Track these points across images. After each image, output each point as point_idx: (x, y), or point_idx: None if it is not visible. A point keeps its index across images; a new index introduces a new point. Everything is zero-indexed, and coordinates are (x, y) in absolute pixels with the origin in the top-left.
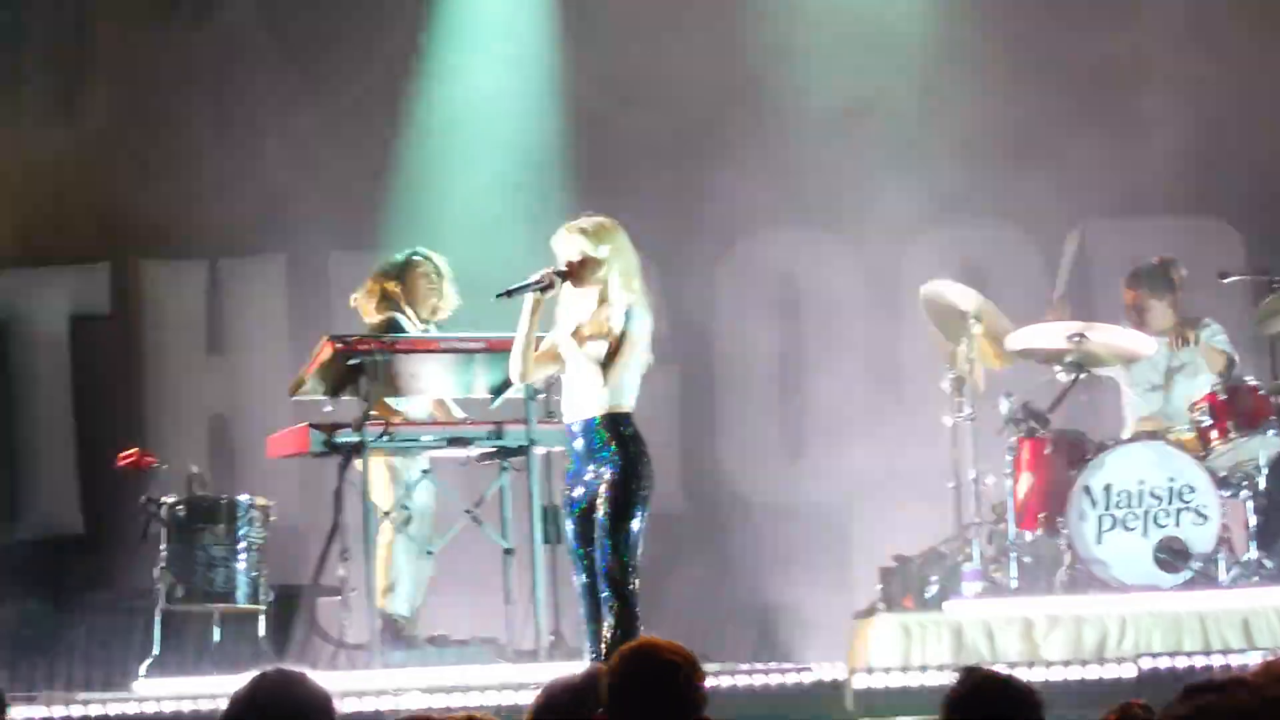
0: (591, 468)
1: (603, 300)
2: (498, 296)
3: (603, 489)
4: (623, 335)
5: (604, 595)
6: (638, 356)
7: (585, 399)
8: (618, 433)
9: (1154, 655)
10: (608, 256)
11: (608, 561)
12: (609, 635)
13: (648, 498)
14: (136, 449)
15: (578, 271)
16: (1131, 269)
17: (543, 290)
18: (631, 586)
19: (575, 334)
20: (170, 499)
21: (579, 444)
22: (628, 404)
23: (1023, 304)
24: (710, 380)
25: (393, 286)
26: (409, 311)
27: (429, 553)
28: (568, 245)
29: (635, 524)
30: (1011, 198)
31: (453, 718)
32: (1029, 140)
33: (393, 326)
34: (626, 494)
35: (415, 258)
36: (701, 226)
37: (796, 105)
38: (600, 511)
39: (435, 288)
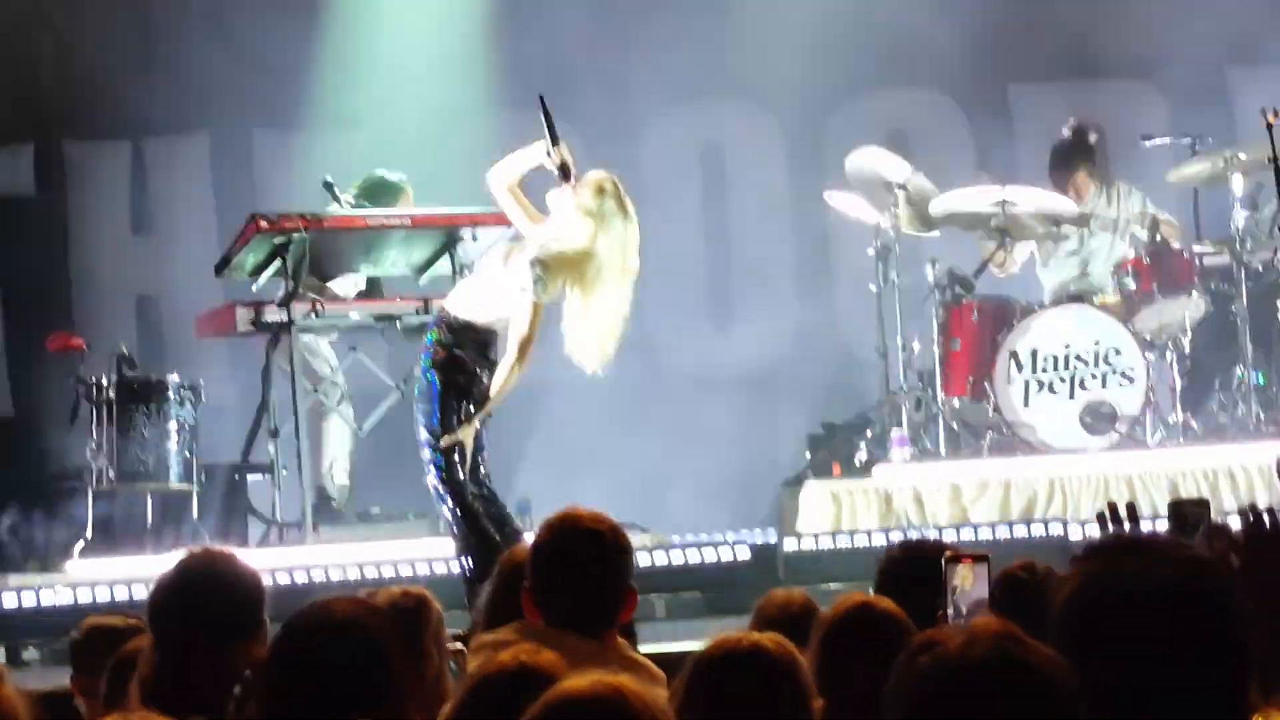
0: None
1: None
2: (540, 98)
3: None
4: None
5: None
6: (520, 319)
7: (464, 295)
8: (448, 341)
9: (1082, 520)
10: (583, 229)
11: None
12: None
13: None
14: (65, 331)
15: (567, 186)
16: (1051, 150)
17: (551, 139)
18: (446, 486)
19: (513, 245)
20: (100, 380)
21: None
22: (480, 322)
23: (947, 170)
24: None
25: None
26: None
27: (358, 430)
28: (585, 189)
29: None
30: (933, 63)
31: (387, 591)
32: (950, 5)
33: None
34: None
35: (405, 184)
36: (625, 99)
37: None
38: None
39: None
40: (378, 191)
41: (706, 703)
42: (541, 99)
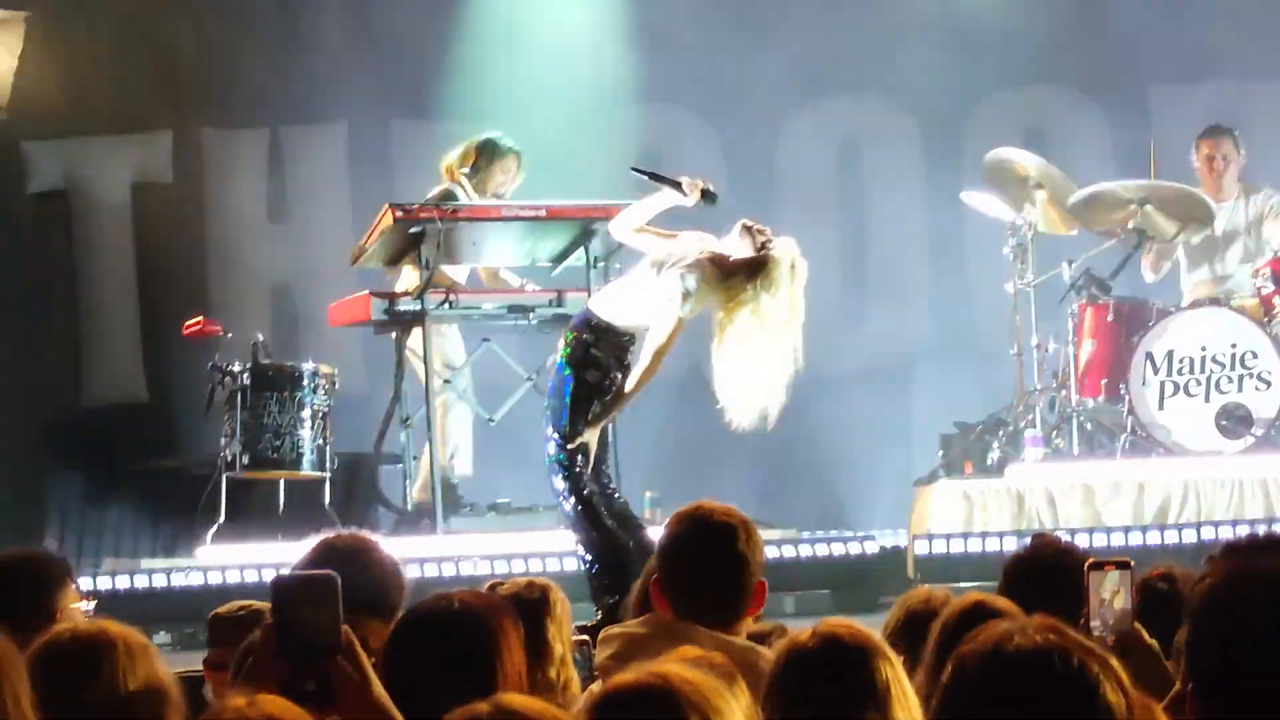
0: None
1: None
2: (632, 169)
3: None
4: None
5: None
6: (660, 328)
7: (610, 297)
8: (588, 340)
9: (1216, 523)
10: (753, 276)
11: None
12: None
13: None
14: (201, 317)
15: (749, 260)
16: (1206, 126)
17: (673, 185)
18: (568, 483)
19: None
20: (236, 367)
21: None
22: (622, 325)
23: (1086, 170)
24: None
25: (479, 164)
26: (468, 188)
27: (490, 421)
28: (771, 252)
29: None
30: (1073, 63)
31: (513, 582)
32: (1091, 4)
33: (449, 197)
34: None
35: (515, 151)
36: (762, 94)
37: None
38: None
39: (509, 181)
40: (486, 150)
41: (785, 693)
42: (634, 169)
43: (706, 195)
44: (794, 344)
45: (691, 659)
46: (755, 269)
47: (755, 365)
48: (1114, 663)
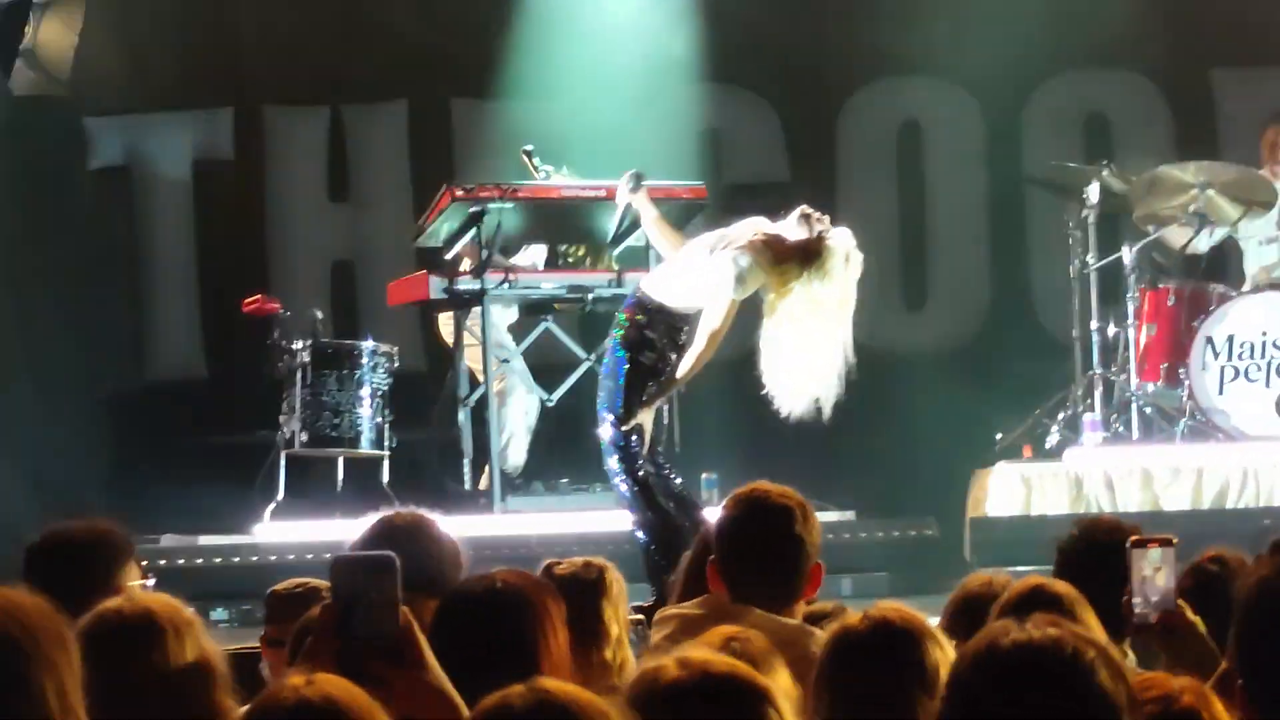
0: None
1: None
2: (612, 246)
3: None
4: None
5: None
6: (714, 310)
7: (663, 278)
8: (642, 322)
9: (1276, 508)
10: (807, 262)
11: None
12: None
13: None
14: (260, 294)
15: (808, 251)
16: (1274, 110)
17: (626, 207)
18: (623, 464)
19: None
20: (296, 344)
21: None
22: (675, 307)
23: (1147, 154)
24: None
25: None
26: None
27: (547, 402)
28: (826, 243)
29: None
30: (1135, 46)
31: (570, 562)
32: None
33: None
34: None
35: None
36: (824, 74)
37: None
38: None
39: None
40: None
41: (835, 676)
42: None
43: (635, 183)
44: (844, 335)
45: (721, 641)
46: (809, 255)
47: (805, 350)
48: (1113, 652)
